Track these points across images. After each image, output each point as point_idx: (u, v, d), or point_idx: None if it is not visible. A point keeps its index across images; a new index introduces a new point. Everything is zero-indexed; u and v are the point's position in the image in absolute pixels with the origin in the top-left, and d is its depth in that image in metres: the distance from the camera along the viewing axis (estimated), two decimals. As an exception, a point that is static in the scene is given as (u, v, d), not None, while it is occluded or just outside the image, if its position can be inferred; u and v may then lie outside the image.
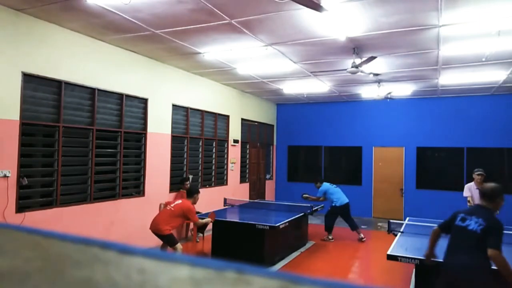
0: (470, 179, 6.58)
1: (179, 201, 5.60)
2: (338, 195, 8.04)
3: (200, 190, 8.16)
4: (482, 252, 3.17)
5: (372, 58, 5.68)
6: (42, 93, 5.07)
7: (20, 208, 4.77)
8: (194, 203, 5.72)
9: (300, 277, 0.37)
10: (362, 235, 7.90)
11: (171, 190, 7.38)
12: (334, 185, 8.21)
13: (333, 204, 7.98)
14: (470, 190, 6.52)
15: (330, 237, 7.90)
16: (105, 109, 6.03)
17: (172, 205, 5.56)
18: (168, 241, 5.47)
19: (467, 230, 3.26)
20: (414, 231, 5.39)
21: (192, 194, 5.75)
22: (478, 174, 6.39)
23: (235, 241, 6.14)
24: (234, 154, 9.77)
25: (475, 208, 3.48)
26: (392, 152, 10.78)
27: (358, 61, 5.91)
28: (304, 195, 8.19)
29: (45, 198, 5.15)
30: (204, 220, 5.91)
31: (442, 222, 3.55)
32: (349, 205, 8.04)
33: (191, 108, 8.08)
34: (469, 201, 6.51)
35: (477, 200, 6.41)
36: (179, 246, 5.47)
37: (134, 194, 6.62)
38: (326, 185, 8.16)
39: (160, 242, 5.62)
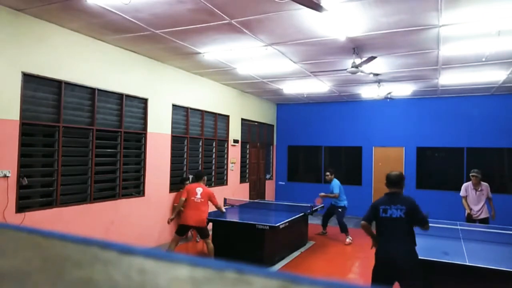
0: (470, 179, 6.59)
1: (200, 189, 5.84)
2: (344, 196, 8.02)
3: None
4: (411, 235, 3.59)
5: (372, 58, 5.68)
6: (42, 93, 5.07)
7: (20, 208, 4.77)
8: (183, 177, 6.13)
9: (300, 277, 0.37)
10: (349, 239, 7.78)
11: (171, 190, 7.38)
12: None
13: (342, 204, 7.88)
14: (467, 190, 6.54)
15: (351, 238, 7.72)
16: (105, 109, 6.03)
17: (197, 196, 5.77)
18: (205, 232, 5.81)
19: (393, 218, 3.60)
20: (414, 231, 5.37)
21: (201, 177, 6.01)
22: (473, 176, 6.43)
23: (235, 241, 6.14)
24: (234, 154, 9.77)
25: (390, 197, 3.75)
26: (392, 152, 10.78)
27: (358, 61, 5.91)
28: (320, 194, 8.08)
29: (45, 198, 5.15)
30: (222, 206, 6.42)
31: (366, 216, 3.86)
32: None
33: (191, 108, 8.08)
34: (464, 201, 6.56)
35: (472, 199, 6.42)
36: (210, 240, 5.87)
37: (134, 194, 6.62)
38: (338, 182, 8.06)
39: (163, 242, 5.68)
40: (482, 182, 6.47)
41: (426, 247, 4.52)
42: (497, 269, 3.58)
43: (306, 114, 11.89)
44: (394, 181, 3.79)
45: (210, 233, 6.50)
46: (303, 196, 10.03)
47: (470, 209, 6.41)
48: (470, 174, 6.48)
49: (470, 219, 6.44)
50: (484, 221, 6.33)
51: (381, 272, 3.67)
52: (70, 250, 0.45)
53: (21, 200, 4.80)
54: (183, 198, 5.83)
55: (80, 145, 5.67)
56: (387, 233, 3.67)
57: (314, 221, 9.05)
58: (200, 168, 8.39)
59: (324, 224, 8.37)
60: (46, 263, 0.41)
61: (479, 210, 6.40)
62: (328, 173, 8.19)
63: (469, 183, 6.55)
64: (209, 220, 6.36)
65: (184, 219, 5.77)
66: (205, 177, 6.20)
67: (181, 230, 5.87)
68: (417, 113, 10.49)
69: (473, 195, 6.46)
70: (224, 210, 6.47)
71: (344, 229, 7.77)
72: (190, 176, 7.83)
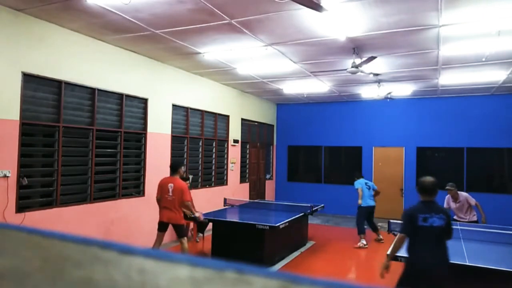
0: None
1: (171, 184, 5.52)
2: (366, 196, 7.84)
3: (200, 190, 8.19)
4: (445, 245, 3.56)
5: (372, 58, 5.68)
6: (42, 93, 5.07)
7: (20, 208, 4.77)
8: (181, 177, 5.70)
9: (300, 277, 0.37)
10: (381, 236, 7.81)
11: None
12: (368, 186, 7.94)
13: (360, 204, 7.84)
14: (448, 203, 6.61)
15: (364, 242, 7.51)
16: (105, 109, 6.03)
17: (169, 193, 5.49)
18: (181, 231, 5.55)
19: (434, 227, 3.49)
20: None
21: (176, 168, 5.65)
22: (447, 189, 6.47)
23: (235, 241, 6.14)
24: (234, 154, 9.77)
25: (427, 205, 3.60)
26: (392, 152, 10.78)
27: (358, 61, 5.91)
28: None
29: (45, 198, 5.15)
30: (194, 210, 5.76)
31: (404, 227, 3.63)
32: (374, 208, 7.92)
33: (191, 108, 8.08)
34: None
35: (456, 210, 6.52)
36: (185, 239, 5.53)
37: (134, 194, 6.62)
38: (362, 181, 7.97)
39: (165, 241, 5.62)
40: (461, 193, 6.56)
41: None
42: (497, 269, 3.58)
43: (306, 114, 11.89)
44: (430, 189, 3.61)
45: (210, 233, 6.51)
46: (303, 196, 10.04)
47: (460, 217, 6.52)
48: (446, 188, 6.47)
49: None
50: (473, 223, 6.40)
51: (414, 281, 3.58)
52: (70, 250, 0.45)
53: (21, 200, 4.80)
54: (158, 197, 5.63)
55: (80, 145, 5.67)
56: (424, 243, 3.55)
57: (314, 221, 9.05)
58: (200, 168, 8.39)
59: (374, 228, 7.97)
60: (46, 263, 0.41)
61: (465, 218, 6.47)
62: (355, 178, 8.10)
63: (448, 195, 6.62)
64: (209, 220, 6.37)
65: (160, 215, 5.58)
66: (182, 169, 5.76)
67: (160, 226, 5.60)
68: (417, 113, 10.49)
69: (455, 207, 6.56)
70: (196, 213, 5.77)
71: (359, 231, 7.63)
72: (190, 176, 7.83)
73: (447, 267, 3.50)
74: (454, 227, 5.64)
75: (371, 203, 7.87)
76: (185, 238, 5.57)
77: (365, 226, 7.75)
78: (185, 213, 5.79)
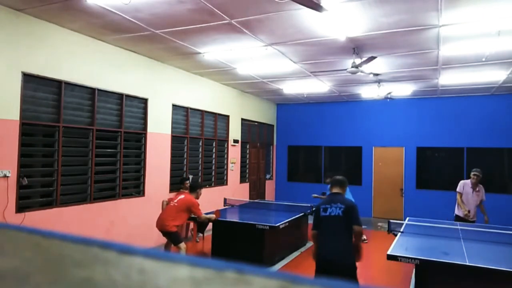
0: (470, 178, 6.55)
1: (182, 196, 5.56)
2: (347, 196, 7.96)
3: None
4: (347, 232, 3.67)
5: (372, 58, 5.68)
6: (42, 93, 5.07)
7: (20, 208, 4.77)
8: (197, 198, 5.68)
9: (300, 277, 0.37)
10: (364, 236, 7.85)
11: (171, 190, 7.37)
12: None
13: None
14: (464, 188, 6.40)
15: (364, 237, 7.77)
16: (105, 109, 6.03)
17: (175, 200, 5.51)
18: (173, 238, 5.45)
19: (331, 216, 3.68)
20: (414, 231, 5.38)
21: (195, 189, 5.72)
22: (475, 174, 6.28)
23: (235, 241, 6.14)
24: (234, 154, 9.77)
25: (330, 196, 3.94)
26: (392, 152, 10.78)
27: (358, 61, 5.91)
28: (313, 195, 8.15)
29: (45, 198, 5.15)
30: (208, 216, 5.83)
31: (313, 224, 3.93)
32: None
33: (191, 108, 8.08)
34: (459, 199, 6.39)
35: (469, 199, 6.28)
36: (183, 245, 5.43)
37: (134, 194, 6.62)
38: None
39: (163, 242, 5.60)
40: (479, 184, 6.36)
41: (426, 247, 4.53)
42: (497, 269, 3.58)
43: (306, 114, 11.89)
44: (337, 182, 4.02)
45: (210, 233, 6.51)
46: (303, 196, 10.02)
47: (468, 211, 6.24)
48: (473, 173, 6.31)
49: (460, 219, 6.28)
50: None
51: (322, 273, 3.73)
52: (70, 250, 0.45)
53: (21, 200, 4.80)
54: (165, 201, 5.71)
55: (80, 145, 5.67)
56: (325, 233, 3.77)
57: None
58: (200, 168, 8.39)
59: None
60: (46, 263, 0.41)
61: (472, 212, 6.30)
62: (328, 179, 8.14)
63: (467, 181, 6.43)
64: (209, 220, 6.35)
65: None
66: (201, 191, 5.80)
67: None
68: (417, 113, 10.49)
69: (470, 194, 6.33)
70: (213, 216, 5.86)
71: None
72: (190, 176, 7.83)
73: (346, 257, 3.62)
74: (453, 226, 5.66)
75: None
76: (183, 244, 5.45)
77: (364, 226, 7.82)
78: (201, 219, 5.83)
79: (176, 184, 7.46)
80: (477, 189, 6.33)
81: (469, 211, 6.24)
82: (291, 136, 12.13)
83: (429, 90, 9.27)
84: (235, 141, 9.77)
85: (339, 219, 3.65)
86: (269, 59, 6.58)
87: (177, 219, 5.44)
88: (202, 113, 8.50)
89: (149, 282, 0.37)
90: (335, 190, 3.97)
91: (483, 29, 4.85)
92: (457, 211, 6.51)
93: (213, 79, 8.63)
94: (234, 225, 6.17)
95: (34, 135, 5.09)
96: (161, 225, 5.42)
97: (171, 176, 7.45)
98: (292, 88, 9.28)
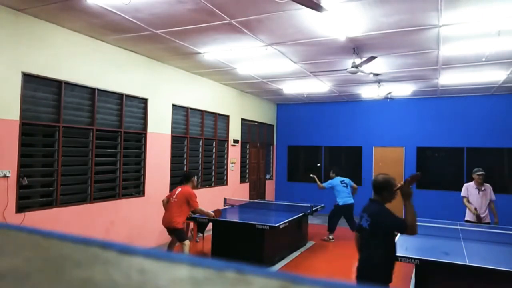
0: (470, 179, 6.48)
1: (179, 189, 5.58)
2: (343, 194, 7.90)
3: (200, 190, 8.18)
4: (376, 247, 3.28)
5: (372, 58, 5.68)
6: (42, 93, 5.07)
7: (20, 208, 4.77)
8: (193, 187, 5.73)
9: (300, 277, 0.37)
10: (332, 237, 7.86)
11: (171, 190, 7.36)
12: (345, 183, 8.02)
13: (336, 203, 7.93)
14: (468, 190, 6.19)
15: (331, 237, 7.83)
16: (105, 109, 6.03)
17: (174, 196, 5.54)
18: (179, 235, 5.49)
19: (363, 227, 3.40)
20: (414, 231, 5.37)
21: (189, 178, 5.71)
22: (479, 174, 6.06)
23: (235, 241, 6.14)
24: (234, 154, 9.77)
25: (368, 203, 3.54)
26: (392, 152, 10.78)
27: (358, 61, 5.91)
28: (311, 175, 8.22)
29: (45, 198, 5.15)
30: (206, 211, 5.75)
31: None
32: (353, 206, 7.90)
33: (191, 108, 8.08)
34: (465, 201, 6.20)
35: (476, 200, 6.08)
36: (187, 242, 5.47)
37: (134, 194, 6.62)
38: (336, 180, 8.03)
39: (163, 242, 5.59)
40: (485, 183, 6.15)
41: (426, 247, 4.53)
42: (497, 269, 3.58)
43: (306, 114, 11.89)
44: (373, 186, 3.57)
45: (210, 233, 6.51)
46: (303, 196, 10.04)
47: (475, 208, 6.01)
48: (477, 173, 6.08)
49: (475, 220, 6.03)
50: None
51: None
52: (70, 250, 0.45)
53: (21, 200, 4.80)
54: (164, 200, 5.66)
55: (80, 145, 5.67)
56: (360, 243, 3.57)
57: (314, 221, 9.05)
58: (200, 168, 8.39)
59: (354, 227, 8.03)
60: (46, 263, 0.41)
61: (483, 213, 6.06)
62: (332, 174, 8.19)
63: (471, 183, 6.22)
64: (209, 220, 6.36)
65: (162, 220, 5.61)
66: (195, 178, 5.85)
67: (167, 231, 5.67)
68: (417, 113, 10.49)
69: (476, 196, 6.10)
70: (212, 213, 5.81)
71: (353, 228, 7.72)
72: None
73: (367, 274, 3.34)
74: (453, 226, 5.65)
75: (349, 201, 7.89)
76: (187, 241, 5.48)
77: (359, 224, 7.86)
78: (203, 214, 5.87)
79: (176, 184, 7.45)
80: (483, 188, 6.10)
81: (475, 209, 6.03)
82: (291, 136, 12.13)
83: (429, 90, 9.27)
84: (235, 141, 9.77)
85: (367, 232, 3.34)
86: (269, 59, 6.58)
87: (182, 214, 5.47)
88: (202, 113, 8.50)
89: (149, 282, 0.37)
90: (373, 195, 3.54)
91: (483, 29, 4.85)
92: (466, 216, 6.27)
93: (213, 79, 8.63)
94: (234, 225, 6.17)
95: (34, 135, 5.09)
96: (168, 222, 5.44)
97: (171, 176, 7.45)
98: (292, 88, 9.28)
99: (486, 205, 6.12)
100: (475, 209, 6.06)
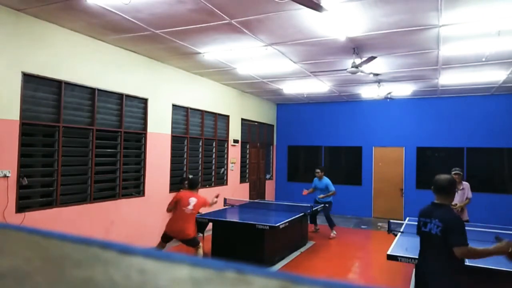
0: (470, 179, 6.50)
1: (194, 199, 5.42)
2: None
3: (200, 190, 8.18)
4: (447, 253, 3.00)
5: (372, 58, 5.68)
6: (42, 93, 5.07)
7: (20, 208, 4.77)
8: (183, 178, 6.03)
9: (300, 277, 0.37)
10: (334, 234, 8.25)
11: (171, 190, 7.37)
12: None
13: (329, 200, 8.36)
14: None
15: (335, 232, 8.24)
16: (105, 109, 6.03)
17: (189, 207, 5.36)
18: (193, 243, 5.45)
19: (431, 234, 3.10)
20: (414, 231, 5.36)
21: (195, 186, 5.70)
22: (456, 174, 6.18)
23: (235, 241, 6.14)
24: (234, 154, 9.77)
25: (432, 207, 3.21)
26: (392, 152, 10.78)
27: (358, 61, 5.91)
28: (320, 196, 8.39)
29: (45, 198, 5.15)
30: (214, 201, 5.94)
31: (416, 229, 3.39)
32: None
33: (191, 108, 8.08)
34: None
35: (457, 200, 6.12)
36: (201, 244, 5.53)
37: (134, 194, 6.62)
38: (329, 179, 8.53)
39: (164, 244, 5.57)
40: (463, 181, 6.36)
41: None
42: (497, 269, 3.58)
43: (306, 114, 11.89)
44: (438, 188, 3.18)
45: (210, 233, 6.51)
46: (303, 196, 10.03)
47: (455, 204, 6.07)
48: (453, 173, 6.17)
49: None
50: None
51: None
52: (70, 250, 0.45)
53: (21, 200, 4.80)
54: (170, 207, 5.48)
55: (80, 145, 5.67)
56: (423, 250, 3.26)
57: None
58: (200, 168, 8.39)
59: (315, 222, 8.62)
60: (46, 263, 0.41)
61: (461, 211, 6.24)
62: (318, 170, 8.53)
63: None
64: (209, 220, 6.37)
65: (169, 229, 5.39)
66: (199, 185, 5.99)
67: (166, 238, 5.47)
68: (417, 113, 10.49)
69: (456, 194, 6.08)
70: (215, 199, 5.94)
71: (332, 224, 8.25)
72: (190, 176, 7.82)
73: (444, 281, 3.06)
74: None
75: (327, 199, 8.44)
76: (200, 243, 5.54)
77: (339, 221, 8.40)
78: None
79: (176, 184, 7.46)
80: (461, 187, 6.31)
81: (455, 204, 6.11)
82: (291, 136, 12.13)
83: (429, 90, 9.27)
84: (235, 141, 9.77)
85: (438, 238, 3.03)
86: (269, 59, 6.58)
87: (193, 222, 5.50)
88: (202, 113, 8.50)
89: (149, 282, 0.37)
90: (437, 199, 3.19)
91: (483, 29, 4.85)
92: None
93: (213, 79, 8.63)
94: (234, 225, 6.17)
95: (34, 135, 5.08)
96: (180, 233, 5.33)
97: (171, 176, 7.45)
98: (292, 88, 9.28)
99: (463, 203, 6.34)
100: (455, 204, 6.15)
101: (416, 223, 3.43)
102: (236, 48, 5.99)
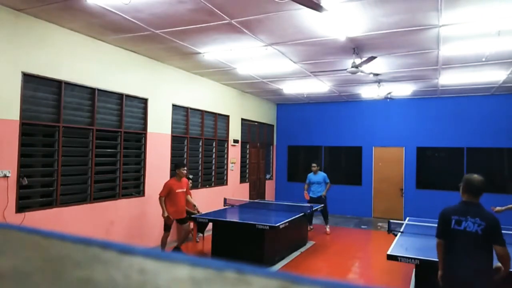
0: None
1: (181, 183, 6.38)
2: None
3: (200, 190, 8.19)
4: (486, 253, 3.03)
5: (372, 58, 5.68)
6: (42, 93, 5.07)
7: (20, 208, 4.77)
8: (182, 176, 6.39)
9: (300, 277, 0.37)
10: (312, 227, 8.62)
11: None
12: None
13: (323, 195, 8.64)
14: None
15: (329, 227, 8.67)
16: (105, 109, 6.03)
17: (182, 188, 6.34)
18: (186, 219, 6.42)
19: (467, 232, 3.06)
20: (414, 231, 5.39)
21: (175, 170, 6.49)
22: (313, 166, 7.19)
23: (235, 241, 6.14)
24: (234, 154, 9.77)
25: (466, 206, 3.19)
26: (392, 152, 10.78)
27: (358, 61, 5.91)
28: (323, 194, 8.66)
29: (45, 198, 5.15)
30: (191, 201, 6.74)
31: (439, 230, 3.28)
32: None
33: (191, 108, 8.08)
34: None
35: None
36: (189, 222, 6.49)
37: (134, 194, 6.62)
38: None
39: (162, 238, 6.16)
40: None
41: (426, 247, 4.53)
42: None
43: (306, 114, 11.89)
44: (474, 188, 3.16)
45: (210, 233, 6.52)
46: (303, 196, 10.02)
47: None
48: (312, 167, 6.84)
49: None
50: None
51: None
52: (70, 250, 0.45)
53: (21, 200, 4.80)
54: (162, 196, 6.19)
55: (80, 145, 5.67)
56: (456, 249, 3.16)
57: (314, 221, 9.05)
58: (200, 168, 8.39)
59: (310, 221, 8.70)
60: (46, 263, 0.41)
61: None
62: (315, 165, 8.91)
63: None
64: (209, 220, 6.38)
65: (175, 211, 6.23)
66: (179, 170, 6.39)
67: (168, 227, 6.29)
68: (417, 113, 10.49)
69: None
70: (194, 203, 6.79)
71: (327, 220, 8.61)
72: (191, 176, 7.82)
73: (482, 281, 3.03)
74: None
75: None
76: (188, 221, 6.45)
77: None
78: (188, 211, 6.66)
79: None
80: None
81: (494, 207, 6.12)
82: (291, 136, 12.13)
83: (429, 90, 9.27)
84: (235, 141, 9.76)
85: (477, 237, 3.01)
86: (269, 59, 6.58)
87: (185, 200, 6.48)
88: (202, 113, 8.50)
89: (149, 282, 0.37)
90: (470, 198, 3.17)
91: (483, 29, 4.85)
92: None
93: (213, 79, 8.63)
94: (234, 225, 6.17)
95: (34, 135, 5.08)
96: (183, 212, 6.35)
97: (171, 176, 7.44)
98: (292, 88, 9.28)
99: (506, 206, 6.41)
100: None
101: (437, 223, 3.32)
102: (236, 48, 5.98)
